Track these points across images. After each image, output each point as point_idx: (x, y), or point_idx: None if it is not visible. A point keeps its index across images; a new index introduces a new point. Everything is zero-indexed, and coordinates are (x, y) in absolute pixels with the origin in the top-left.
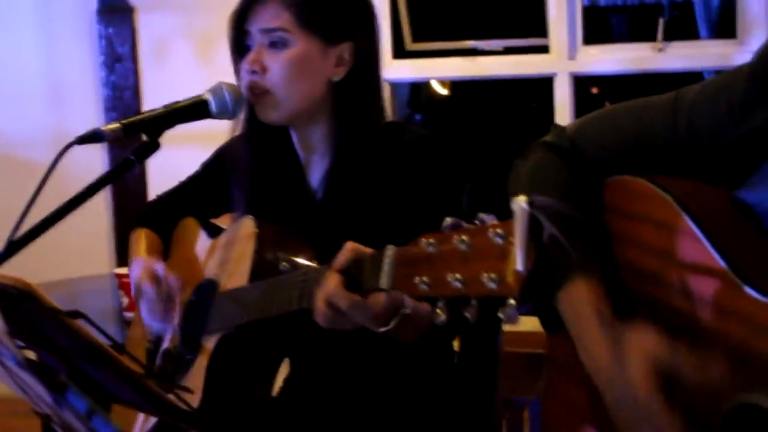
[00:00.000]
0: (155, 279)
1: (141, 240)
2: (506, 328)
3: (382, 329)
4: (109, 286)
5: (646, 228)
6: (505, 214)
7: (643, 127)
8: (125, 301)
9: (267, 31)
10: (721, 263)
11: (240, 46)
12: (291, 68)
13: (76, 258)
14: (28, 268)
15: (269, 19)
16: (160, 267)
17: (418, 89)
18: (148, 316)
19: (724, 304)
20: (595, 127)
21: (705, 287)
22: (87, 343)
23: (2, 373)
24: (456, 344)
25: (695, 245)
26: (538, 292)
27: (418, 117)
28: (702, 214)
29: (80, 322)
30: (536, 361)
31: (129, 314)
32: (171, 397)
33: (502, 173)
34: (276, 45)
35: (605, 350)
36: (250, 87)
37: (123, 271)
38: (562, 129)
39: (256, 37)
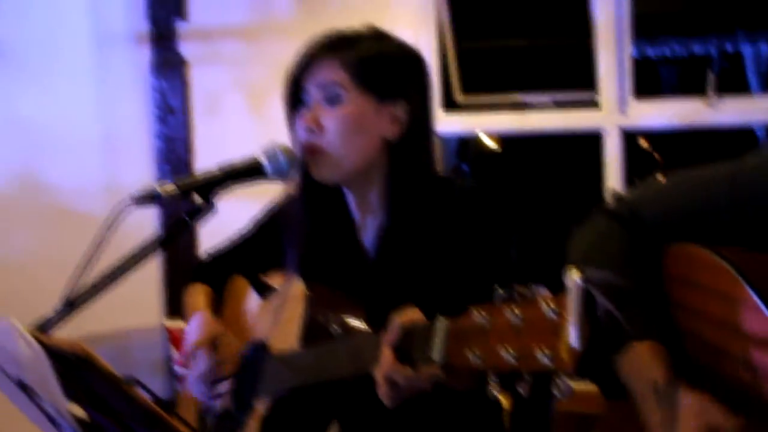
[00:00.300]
0: (213, 346)
1: (200, 295)
2: None
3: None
4: (158, 338)
5: (708, 297)
6: (551, 270)
7: (705, 196)
8: (176, 354)
9: (324, 87)
10: None
11: (295, 101)
12: (346, 126)
13: (126, 309)
14: (79, 319)
15: (327, 76)
16: (218, 329)
17: (467, 142)
18: (194, 383)
19: None
20: (656, 196)
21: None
22: (142, 407)
23: None
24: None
25: (757, 316)
26: (597, 359)
27: (465, 167)
28: (764, 284)
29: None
30: (586, 421)
31: (179, 368)
32: None
33: (549, 227)
34: (331, 101)
35: (659, 415)
36: (306, 146)
37: (173, 324)
38: (621, 197)
39: (312, 93)
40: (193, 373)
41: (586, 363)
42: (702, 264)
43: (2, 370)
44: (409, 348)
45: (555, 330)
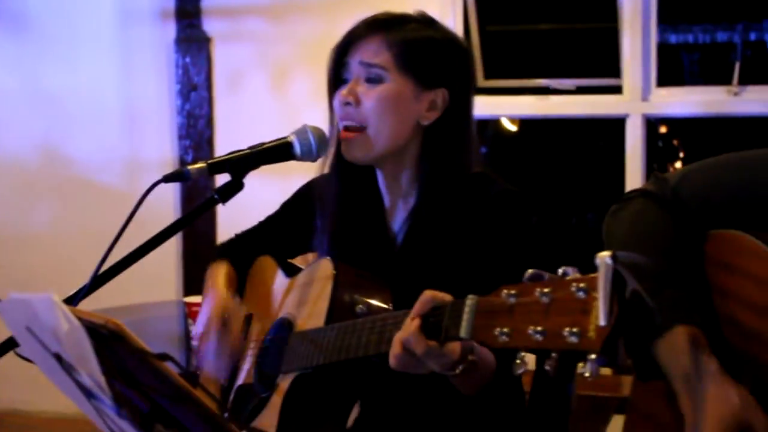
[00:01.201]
0: (223, 323)
1: (220, 273)
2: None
3: (449, 373)
4: (176, 312)
5: (750, 283)
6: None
7: (750, 181)
8: (193, 329)
9: (366, 65)
10: None
11: (337, 79)
12: (383, 104)
13: (145, 284)
14: (98, 292)
15: (370, 54)
16: (233, 304)
17: (486, 123)
18: (204, 357)
19: None
20: (699, 178)
21: None
22: (172, 383)
23: (92, 413)
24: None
25: None
26: (634, 341)
27: (483, 149)
28: None
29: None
30: (603, 404)
31: (196, 342)
32: None
33: (566, 210)
34: (372, 80)
35: (691, 402)
36: (343, 118)
37: (192, 299)
38: (663, 179)
39: (354, 69)
40: (205, 349)
41: (624, 344)
42: (744, 250)
43: (42, 344)
44: (437, 323)
45: (584, 309)
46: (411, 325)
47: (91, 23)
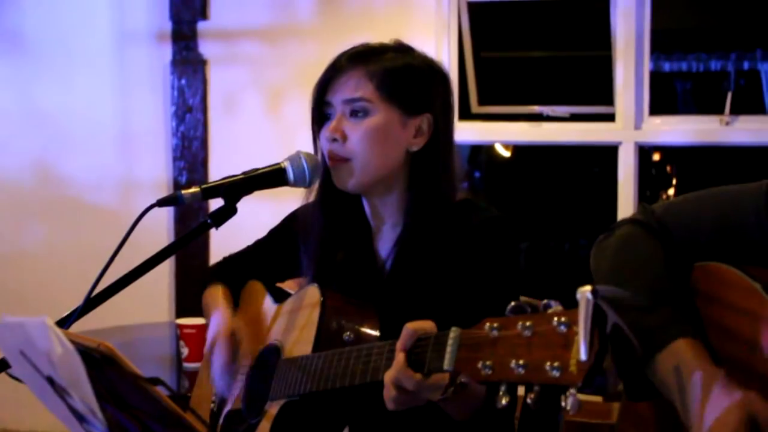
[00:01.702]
0: (232, 338)
1: (220, 294)
2: None
3: (439, 397)
4: (167, 335)
5: (735, 316)
6: (559, 278)
7: (733, 213)
8: (185, 351)
9: (349, 101)
10: None
11: (321, 116)
12: (371, 137)
13: (137, 305)
14: (90, 314)
15: (352, 89)
16: (237, 324)
17: (480, 148)
18: (217, 374)
19: None
20: (684, 210)
21: None
22: (162, 407)
23: None
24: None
25: None
26: (625, 361)
27: (477, 174)
28: None
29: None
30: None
31: (188, 365)
32: None
33: (559, 236)
34: (357, 114)
35: (700, 407)
36: (330, 155)
37: (185, 321)
38: (650, 210)
39: (338, 108)
40: (215, 364)
41: (615, 366)
42: (730, 283)
43: (35, 368)
44: (421, 355)
45: (565, 343)
46: (398, 361)
47: (87, 44)
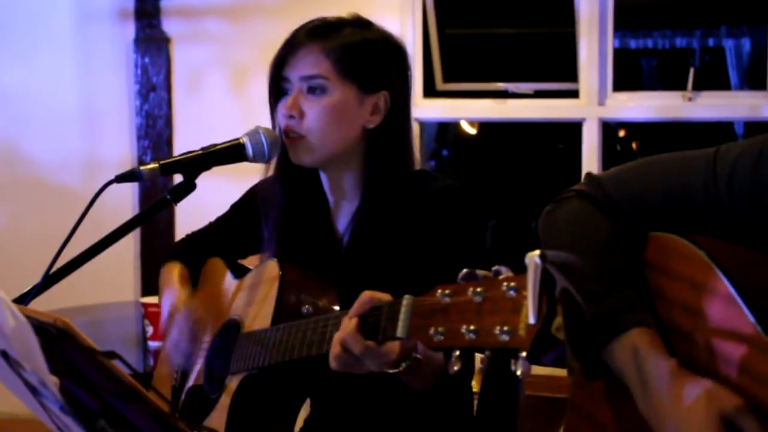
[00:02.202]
0: (187, 315)
1: (174, 272)
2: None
3: (392, 371)
4: (133, 314)
5: (682, 286)
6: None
7: (681, 184)
8: (150, 330)
9: (306, 78)
10: (756, 326)
11: (278, 91)
12: (328, 115)
13: (101, 285)
14: (54, 293)
15: (309, 66)
16: (191, 297)
17: (447, 126)
18: (173, 350)
19: (753, 366)
20: (631, 181)
21: (736, 349)
22: (121, 381)
23: (39, 410)
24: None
25: (730, 306)
26: (583, 340)
27: (445, 152)
28: (738, 275)
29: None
30: (555, 405)
31: (153, 343)
32: None
33: (525, 212)
34: (314, 91)
35: (672, 397)
36: (286, 131)
37: (149, 300)
38: (597, 180)
39: (295, 83)
40: (171, 339)
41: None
42: (677, 252)
43: None
44: (375, 323)
45: (515, 308)
46: (349, 324)
47: (49, 22)
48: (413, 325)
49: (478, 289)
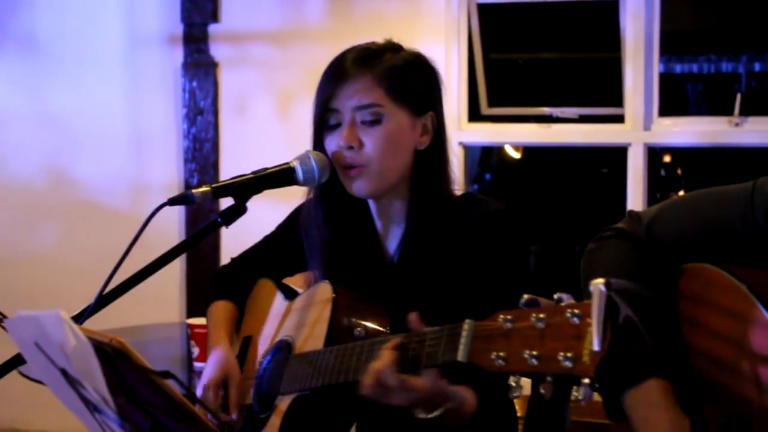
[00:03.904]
0: (223, 384)
1: (221, 318)
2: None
3: (422, 416)
4: (178, 335)
5: (720, 316)
6: (570, 279)
7: (719, 216)
8: (196, 351)
9: (360, 108)
10: None
11: (322, 122)
12: (387, 142)
13: (148, 306)
14: (101, 314)
15: (362, 95)
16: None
17: (490, 150)
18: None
19: None
20: (671, 216)
21: None
22: (173, 400)
23: (95, 427)
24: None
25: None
26: (608, 381)
27: (488, 176)
28: None
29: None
30: (597, 430)
31: (198, 364)
32: None
33: (569, 237)
34: (370, 121)
35: None
36: (346, 164)
37: (195, 321)
38: (637, 217)
39: (346, 114)
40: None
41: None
42: (717, 284)
43: (49, 359)
44: (416, 355)
45: (578, 334)
46: (386, 355)
47: (99, 46)
48: (474, 349)
49: (541, 316)
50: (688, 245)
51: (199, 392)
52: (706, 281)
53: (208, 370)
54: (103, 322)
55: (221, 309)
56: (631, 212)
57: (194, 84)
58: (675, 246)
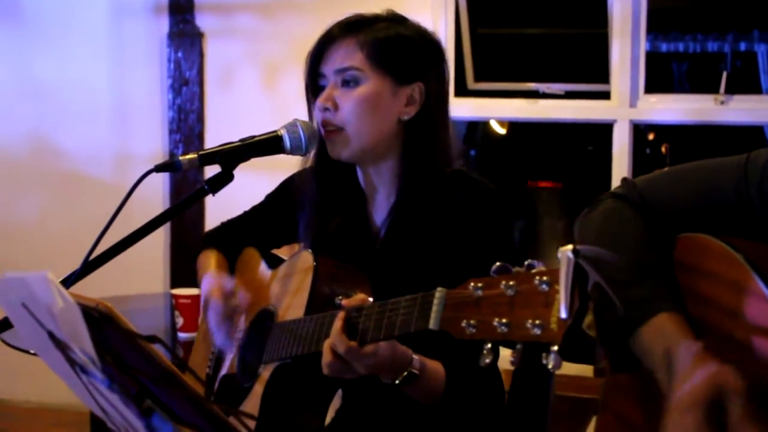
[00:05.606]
0: (225, 294)
1: (211, 258)
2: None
3: (389, 382)
4: (162, 305)
5: (715, 285)
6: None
7: (713, 188)
8: (180, 321)
9: (340, 71)
10: None
11: (315, 87)
12: (362, 105)
13: (132, 276)
14: (85, 283)
15: (343, 58)
16: (230, 282)
17: (475, 125)
18: (214, 330)
19: None
20: (665, 184)
21: None
22: (160, 365)
23: (82, 391)
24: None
25: (763, 306)
26: (612, 332)
27: (472, 152)
28: None
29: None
30: (582, 405)
31: (182, 334)
32: (232, 421)
33: (553, 213)
34: (348, 83)
35: (686, 375)
36: (323, 124)
37: (179, 291)
38: (632, 183)
39: (330, 78)
40: (211, 322)
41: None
42: (712, 253)
43: (37, 321)
44: (389, 323)
45: (547, 302)
46: (335, 327)
47: (84, 16)
48: (446, 317)
49: (511, 283)
50: (681, 214)
51: (201, 306)
52: (701, 250)
53: (205, 285)
54: (87, 291)
55: (213, 252)
56: (626, 178)
57: (180, 54)
58: (668, 214)
